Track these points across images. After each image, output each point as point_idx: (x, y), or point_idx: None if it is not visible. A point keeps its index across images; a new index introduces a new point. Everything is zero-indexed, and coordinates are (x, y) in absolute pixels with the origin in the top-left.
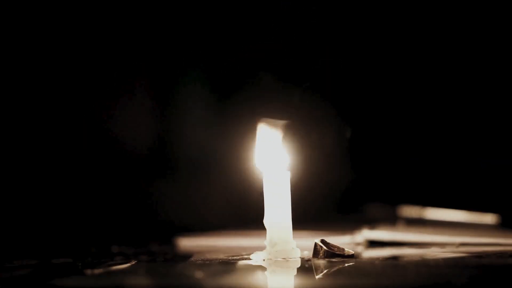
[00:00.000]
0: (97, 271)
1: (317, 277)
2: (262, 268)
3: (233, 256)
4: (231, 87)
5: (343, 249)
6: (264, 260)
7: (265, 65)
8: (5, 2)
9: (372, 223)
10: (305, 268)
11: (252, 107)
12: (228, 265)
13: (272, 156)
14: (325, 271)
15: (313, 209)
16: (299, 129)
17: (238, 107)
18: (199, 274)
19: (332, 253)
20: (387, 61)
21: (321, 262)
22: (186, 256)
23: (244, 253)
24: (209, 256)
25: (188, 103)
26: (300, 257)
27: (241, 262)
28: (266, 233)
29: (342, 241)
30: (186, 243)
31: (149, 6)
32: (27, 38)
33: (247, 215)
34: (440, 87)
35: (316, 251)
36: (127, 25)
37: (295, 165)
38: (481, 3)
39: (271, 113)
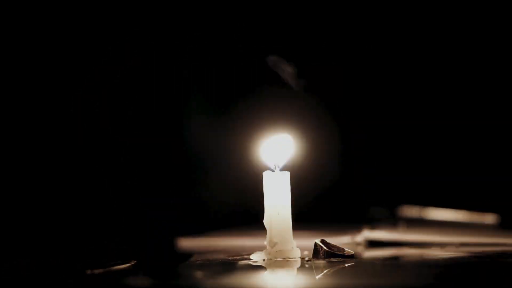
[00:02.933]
0: (97, 271)
1: (317, 277)
2: (262, 268)
3: (233, 256)
4: (232, 86)
5: (343, 249)
6: (264, 260)
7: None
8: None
9: (373, 224)
10: (305, 268)
11: (253, 106)
12: (228, 265)
13: (275, 155)
14: (325, 271)
15: (313, 209)
16: (299, 129)
17: (239, 106)
18: (199, 274)
19: (332, 253)
20: (387, 61)
21: (321, 262)
22: (186, 256)
23: (244, 253)
24: (209, 256)
25: (189, 102)
26: (300, 257)
27: (241, 262)
28: (266, 233)
29: (342, 241)
30: (187, 243)
31: (147, 5)
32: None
33: (247, 215)
34: (439, 86)
35: (316, 251)
36: (127, 25)
37: (296, 165)
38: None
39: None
